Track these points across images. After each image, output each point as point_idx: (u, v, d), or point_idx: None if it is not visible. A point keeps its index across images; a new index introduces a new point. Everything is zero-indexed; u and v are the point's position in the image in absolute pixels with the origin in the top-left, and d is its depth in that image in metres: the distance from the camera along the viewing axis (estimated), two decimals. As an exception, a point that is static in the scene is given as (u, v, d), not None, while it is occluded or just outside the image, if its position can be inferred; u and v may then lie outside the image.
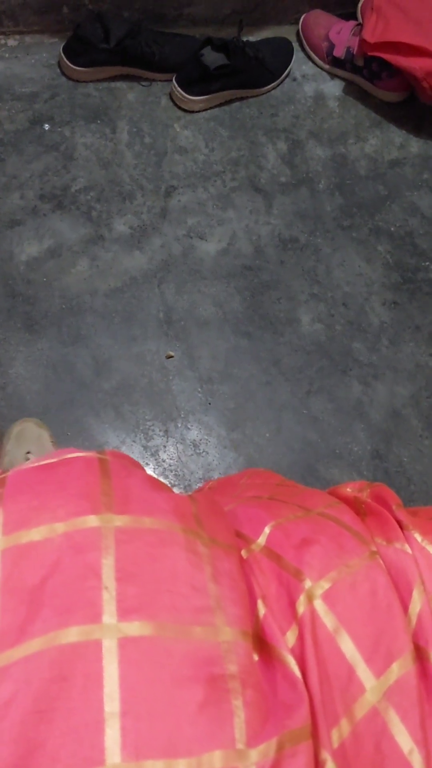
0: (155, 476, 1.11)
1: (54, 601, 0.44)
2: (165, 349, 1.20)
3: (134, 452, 1.12)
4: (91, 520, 0.48)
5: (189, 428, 1.16)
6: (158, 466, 1.13)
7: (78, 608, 0.44)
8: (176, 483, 1.12)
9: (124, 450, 1.12)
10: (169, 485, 1.10)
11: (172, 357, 1.20)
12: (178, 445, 1.15)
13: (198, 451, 1.15)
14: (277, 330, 1.25)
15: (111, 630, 0.43)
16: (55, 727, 0.40)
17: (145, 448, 1.13)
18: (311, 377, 1.22)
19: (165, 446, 1.14)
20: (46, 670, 0.41)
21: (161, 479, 1.12)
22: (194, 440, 1.15)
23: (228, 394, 1.19)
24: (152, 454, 1.13)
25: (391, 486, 1.14)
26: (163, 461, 1.13)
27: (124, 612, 0.44)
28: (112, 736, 0.39)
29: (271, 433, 1.18)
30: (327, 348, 1.25)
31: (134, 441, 1.13)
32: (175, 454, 1.14)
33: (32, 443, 1.04)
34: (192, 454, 1.14)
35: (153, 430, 1.15)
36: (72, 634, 0.42)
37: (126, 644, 0.42)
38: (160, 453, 1.14)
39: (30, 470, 0.52)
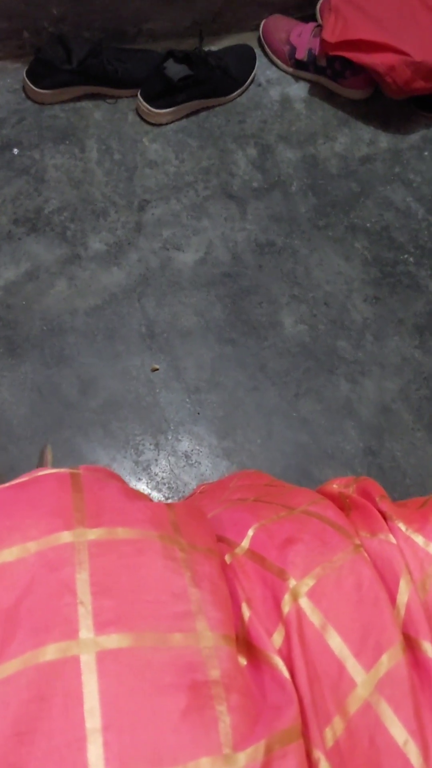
0: (148, 491, 1.11)
1: (29, 621, 0.43)
2: (149, 363, 1.20)
3: (125, 468, 1.12)
4: (64, 537, 0.47)
5: (180, 440, 1.15)
6: (151, 480, 1.12)
7: (54, 626, 0.43)
8: (170, 496, 1.11)
9: (115, 467, 1.12)
10: (162, 499, 1.10)
11: (157, 370, 1.19)
12: (169, 458, 1.14)
13: (190, 462, 1.14)
14: (261, 335, 1.24)
15: (88, 644, 0.42)
16: (36, 748, 0.39)
17: (137, 463, 1.13)
18: (298, 379, 1.22)
19: (156, 460, 1.14)
20: (24, 691, 0.40)
21: (154, 493, 1.11)
22: (186, 451, 1.15)
23: (216, 403, 1.19)
24: (144, 469, 1.12)
25: (386, 481, 1.13)
26: (156, 475, 1.12)
27: (101, 625, 0.43)
28: (95, 752, 0.38)
29: (262, 439, 1.17)
30: (312, 349, 1.24)
31: (125, 457, 1.13)
32: (168, 466, 1.13)
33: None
34: (184, 466, 1.14)
35: (143, 445, 1.14)
36: (49, 653, 0.42)
37: (104, 657, 0.42)
38: (152, 467, 1.13)
39: (1, 491, 0.52)
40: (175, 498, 1.11)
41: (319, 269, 1.32)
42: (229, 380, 1.20)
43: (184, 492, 1.12)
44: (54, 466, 1.08)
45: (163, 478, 1.12)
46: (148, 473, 1.12)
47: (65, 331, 1.19)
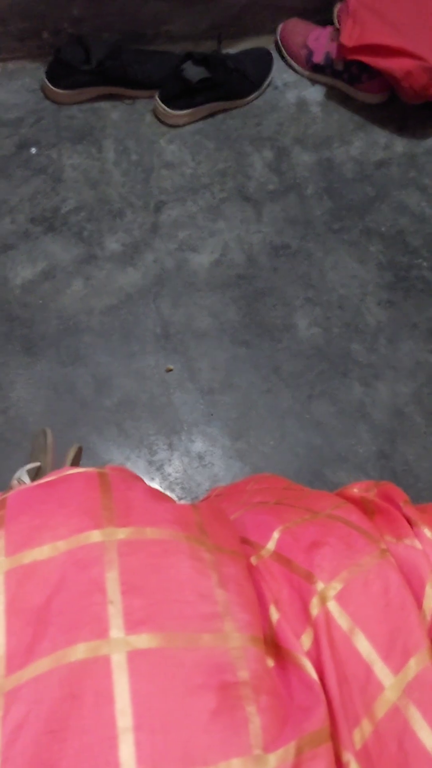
0: (162, 490, 1.11)
1: (60, 619, 0.43)
2: (164, 363, 1.20)
3: (139, 467, 1.12)
4: (94, 536, 0.47)
5: (193, 440, 1.16)
6: (164, 480, 1.12)
7: (84, 625, 0.43)
8: (183, 496, 1.11)
9: (129, 466, 1.12)
10: (175, 498, 1.10)
11: (171, 370, 1.20)
12: (183, 458, 1.14)
13: (203, 462, 1.14)
14: (275, 337, 1.25)
15: (119, 644, 0.42)
16: (68, 746, 0.39)
17: (150, 462, 1.13)
18: (312, 382, 1.22)
19: (170, 460, 1.14)
20: (56, 689, 0.41)
21: (168, 493, 1.11)
22: (199, 452, 1.15)
23: (230, 404, 1.19)
24: (157, 469, 1.13)
25: (399, 484, 1.13)
26: (169, 475, 1.13)
27: (132, 625, 0.43)
28: (127, 751, 0.39)
29: (276, 441, 1.17)
30: (325, 351, 1.24)
31: (139, 456, 1.13)
32: (181, 467, 1.14)
33: (39, 450, 1.04)
34: (198, 466, 1.14)
35: (157, 445, 1.14)
36: (80, 651, 0.42)
37: (135, 657, 0.42)
38: (166, 467, 1.13)
39: (30, 490, 0.52)
40: (188, 498, 1.11)
41: (334, 272, 1.32)
42: (242, 382, 1.20)
43: (197, 492, 1.12)
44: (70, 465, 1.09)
45: (176, 479, 1.12)
46: (162, 473, 1.12)
47: (81, 330, 1.19)
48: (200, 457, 1.15)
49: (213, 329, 1.24)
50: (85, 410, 1.14)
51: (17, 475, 0.97)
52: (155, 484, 1.12)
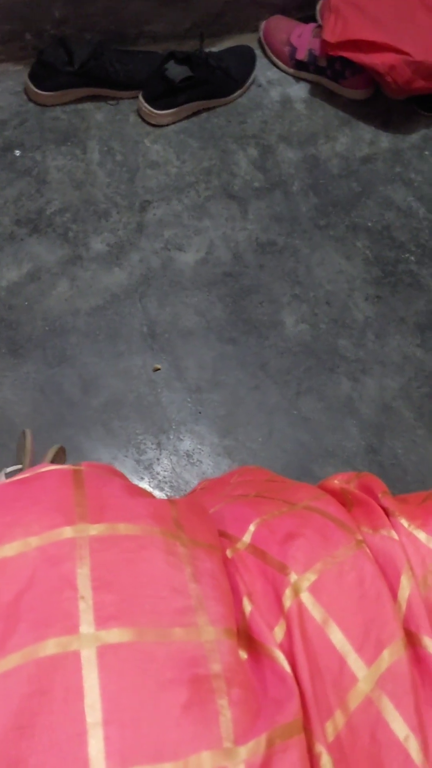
0: (150, 489, 1.11)
1: (30, 615, 0.43)
2: (151, 363, 1.20)
3: (127, 467, 1.12)
4: (66, 532, 0.47)
5: (181, 439, 1.15)
6: (153, 479, 1.12)
7: (55, 620, 0.43)
8: (172, 495, 1.11)
9: (116, 466, 1.12)
10: (164, 497, 1.10)
11: (159, 369, 1.20)
12: (171, 457, 1.14)
13: (192, 461, 1.14)
14: (262, 334, 1.25)
15: (89, 639, 0.42)
16: (36, 742, 0.39)
17: (138, 462, 1.13)
18: (299, 378, 1.22)
19: (158, 459, 1.14)
20: (25, 685, 0.40)
21: (156, 492, 1.11)
22: (187, 450, 1.15)
23: (218, 402, 1.19)
24: (146, 468, 1.12)
25: (387, 478, 1.13)
26: (158, 474, 1.12)
27: (102, 620, 0.43)
28: (96, 746, 0.38)
29: (264, 437, 1.17)
30: (313, 347, 1.24)
31: (126, 456, 1.13)
32: (169, 465, 1.13)
33: (20, 454, 1.04)
34: (186, 465, 1.14)
35: (145, 444, 1.14)
36: (49, 647, 0.42)
37: (105, 652, 0.42)
38: (154, 466, 1.13)
39: (3, 487, 0.52)
40: (177, 496, 1.11)
41: (321, 268, 1.32)
42: (230, 379, 1.20)
43: (186, 491, 1.12)
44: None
45: (165, 477, 1.12)
46: (150, 472, 1.12)
47: (67, 331, 1.19)
48: (189, 455, 1.14)
49: (200, 328, 1.23)
50: (72, 411, 1.14)
51: None
52: (144, 484, 1.12)
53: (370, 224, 1.37)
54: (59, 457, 1.05)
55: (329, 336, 1.26)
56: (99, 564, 0.46)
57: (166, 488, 1.12)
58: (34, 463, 1.04)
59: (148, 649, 0.43)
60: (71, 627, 0.43)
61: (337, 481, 0.67)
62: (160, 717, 0.40)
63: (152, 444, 1.14)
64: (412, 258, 1.35)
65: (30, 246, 1.25)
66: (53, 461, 1.02)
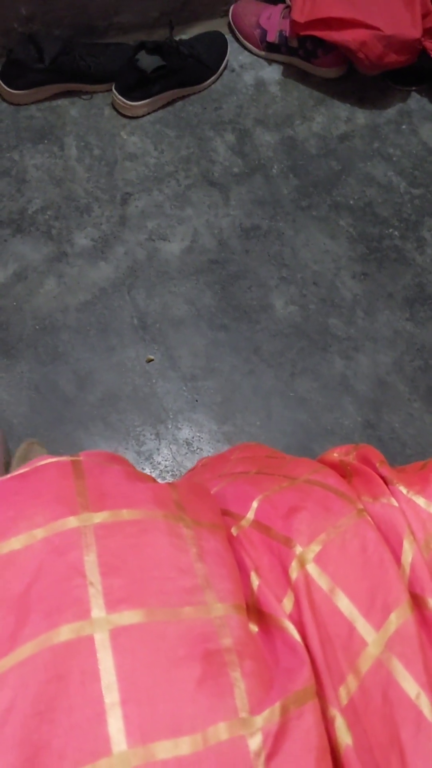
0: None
1: (41, 605, 0.44)
2: (144, 354, 1.20)
3: (128, 459, 1.11)
4: (70, 522, 0.48)
5: (180, 428, 1.16)
6: (154, 469, 1.13)
7: (66, 607, 0.44)
8: (174, 484, 1.12)
9: (117, 459, 1.12)
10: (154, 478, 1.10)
11: (152, 360, 1.20)
12: (171, 446, 1.15)
13: (192, 449, 1.15)
14: (253, 318, 1.25)
15: (101, 623, 0.43)
16: (57, 725, 0.40)
17: (139, 453, 1.13)
18: (293, 359, 1.22)
19: (158, 449, 1.14)
20: (42, 671, 0.41)
21: (164, 483, 1.11)
22: (186, 439, 1.15)
23: (213, 389, 1.19)
24: (146, 458, 1.13)
25: (387, 452, 1.14)
26: (159, 464, 1.13)
27: (112, 604, 0.44)
28: (115, 725, 0.39)
29: (262, 421, 1.17)
30: (304, 328, 1.25)
31: (126, 448, 1.13)
32: (170, 455, 1.14)
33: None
34: (186, 453, 1.14)
35: (144, 435, 1.15)
36: (63, 633, 0.42)
37: (118, 634, 0.42)
38: (155, 456, 1.14)
39: (3, 482, 0.52)
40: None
41: (306, 249, 1.32)
42: (224, 365, 1.21)
43: (187, 479, 1.12)
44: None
45: (166, 467, 1.13)
46: (151, 462, 1.13)
47: (58, 328, 1.19)
48: (188, 443, 1.15)
49: (190, 316, 1.24)
50: (69, 407, 1.14)
51: None
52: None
53: (352, 202, 1.37)
54: (24, 454, 1.04)
55: (319, 316, 1.26)
56: (105, 550, 0.47)
57: (167, 477, 1.12)
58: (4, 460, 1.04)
59: (159, 629, 0.43)
60: (83, 612, 0.43)
61: (336, 454, 0.68)
62: (176, 693, 0.41)
63: (151, 435, 1.15)
64: (396, 233, 1.35)
65: (14, 246, 1.25)
66: (22, 458, 1.02)
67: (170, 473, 1.12)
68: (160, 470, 1.13)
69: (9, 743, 0.39)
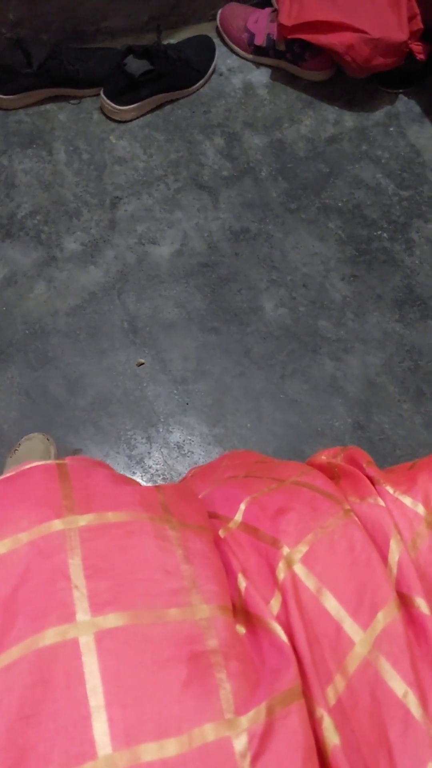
0: (143, 483, 1.11)
1: (26, 608, 0.44)
2: (135, 358, 1.20)
3: (119, 463, 1.12)
4: (55, 525, 0.48)
5: (171, 431, 1.16)
6: (145, 473, 1.12)
7: (51, 611, 0.43)
8: (165, 487, 1.12)
9: (108, 462, 1.12)
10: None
11: (143, 364, 1.20)
12: (162, 450, 1.15)
13: (183, 452, 1.15)
14: (243, 321, 1.25)
15: (86, 626, 0.43)
16: (43, 729, 0.39)
17: (130, 457, 1.13)
18: (283, 361, 1.22)
19: (149, 453, 1.14)
20: (27, 675, 0.41)
21: (150, 486, 1.11)
22: (178, 442, 1.15)
23: (204, 392, 1.19)
24: (137, 463, 1.13)
25: (377, 453, 1.14)
26: (150, 467, 1.13)
27: (97, 607, 0.44)
28: (101, 728, 0.39)
29: (253, 423, 1.18)
30: (294, 330, 1.25)
31: (118, 452, 1.13)
32: (161, 458, 1.14)
33: (37, 457, 1.04)
34: (177, 456, 1.14)
35: (135, 439, 1.15)
36: (48, 637, 0.42)
37: (103, 637, 0.42)
38: (146, 460, 1.13)
39: (-11, 486, 0.52)
40: (171, 489, 1.12)
41: (295, 252, 1.32)
42: (215, 368, 1.21)
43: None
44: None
45: (157, 470, 1.13)
46: (142, 466, 1.13)
47: (48, 333, 1.19)
48: (179, 446, 1.15)
49: (180, 319, 1.24)
50: (60, 411, 1.14)
51: None
52: (137, 478, 1.12)
53: (340, 204, 1.38)
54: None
55: (309, 318, 1.26)
56: (90, 553, 0.46)
57: (159, 481, 1.12)
58: None
59: (144, 631, 0.43)
60: (68, 615, 0.43)
61: (324, 457, 0.68)
62: (161, 695, 0.41)
63: (142, 438, 1.15)
64: (385, 235, 1.36)
65: (3, 251, 1.25)
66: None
67: (161, 477, 1.12)
68: (151, 474, 1.12)
69: (-6, 748, 0.39)
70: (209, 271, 1.29)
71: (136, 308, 1.24)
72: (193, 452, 1.15)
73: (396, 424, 1.18)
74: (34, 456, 1.05)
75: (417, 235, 1.36)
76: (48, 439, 1.08)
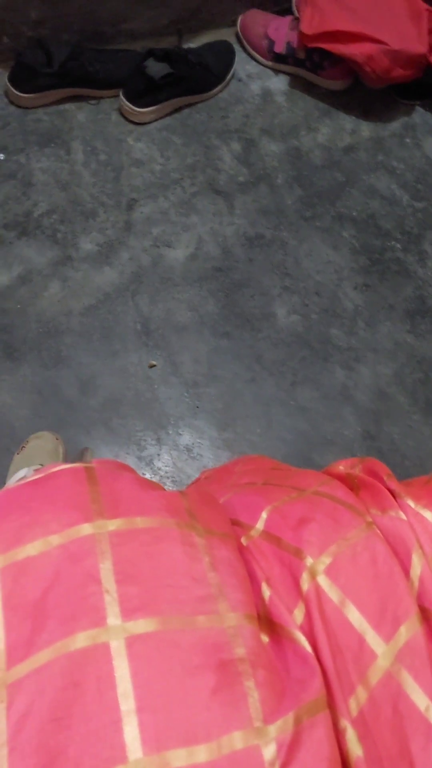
0: (152, 486, 1.12)
1: (57, 611, 0.44)
2: (147, 360, 1.21)
3: (129, 464, 1.12)
4: (85, 529, 0.48)
5: (180, 434, 1.16)
6: (154, 474, 1.13)
7: (82, 615, 0.44)
8: (174, 489, 1.12)
9: (118, 464, 1.13)
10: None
11: (154, 366, 1.20)
12: (171, 452, 1.15)
13: (192, 455, 1.15)
14: (255, 326, 1.26)
15: (117, 631, 0.43)
16: (74, 732, 0.40)
17: (140, 458, 1.14)
18: (294, 368, 1.23)
19: (159, 454, 1.15)
20: (58, 678, 0.41)
21: (174, 491, 1.12)
22: (187, 445, 1.16)
23: (215, 396, 1.20)
24: (147, 464, 1.13)
25: (386, 463, 1.14)
26: (159, 469, 1.14)
27: (128, 612, 0.44)
28: (131, 732, 0.40)
29: (262, 429, 1.18)
30: (306, 338, 1.26)
31: (128, 453, 1.14)
32: (170, 460, 1.14)
33: (46, 456, 1.04)
34: (187, 459, 1.15)
35: (145, 440, 1.15)
36: (79, 641, 0.43)
37: (133, 642, 0.43)
38: (155, 461, 1.14)
39: (18, 488, 0.52)
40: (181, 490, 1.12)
41: (309, 260, 1.33)
42: (226, 373, 1.21)
43: (187, 485, 1.13)
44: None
45: (166, 472, 1.13)
46: (152, 468, 1.13)
47: (61, 332, 1.20)
48: (188, 449, 1.16)
49: (193, 323, 1.24)
50: (72, 411, 1.15)
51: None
52: (146, 480, 1.13)
53: (355, 213, 1.39)
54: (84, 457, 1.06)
55: (321, 326, 1.27)
56: (120, 558, 0.47)
57: (168, 483, 1.13)
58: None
59: (173, 638, 0.44)
60: (99, 620, 0.44)
61: (342, 467, 0.69)
62: (191, 701, 0.41)
63: (152, 440, 1.15)
64: (398, 245, 1.37)
65: (19, 249, 1.25)
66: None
67: (170, 479, 1.13)
68: (161, 476, 1.13)
69: (26, 749, 0.39)
70: (223, 275, 1.29)
71: (150, 310, 1.24)
72: (202, 455, 1.15)
73: (405, 434, 1.18)
74: (41, 454, 1.06)
75: (430, 247, 1.37)
76: (57, 438, 1.09)
